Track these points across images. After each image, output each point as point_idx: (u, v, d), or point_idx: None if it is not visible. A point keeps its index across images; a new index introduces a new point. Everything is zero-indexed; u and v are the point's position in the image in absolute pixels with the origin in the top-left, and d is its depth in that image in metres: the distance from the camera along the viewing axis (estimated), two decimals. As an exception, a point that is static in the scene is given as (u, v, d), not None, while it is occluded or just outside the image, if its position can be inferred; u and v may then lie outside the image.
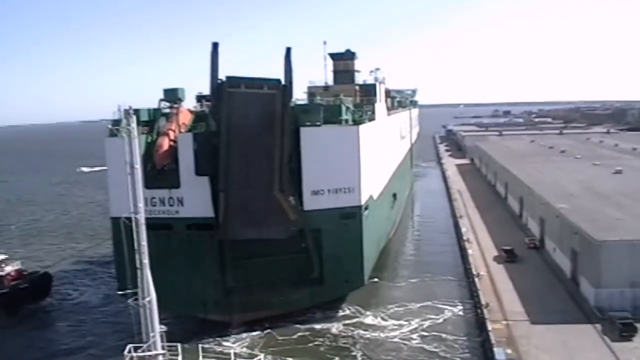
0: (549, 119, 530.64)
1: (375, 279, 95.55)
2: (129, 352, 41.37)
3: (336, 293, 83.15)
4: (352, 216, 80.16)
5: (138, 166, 34.77)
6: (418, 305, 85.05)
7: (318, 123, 79.64)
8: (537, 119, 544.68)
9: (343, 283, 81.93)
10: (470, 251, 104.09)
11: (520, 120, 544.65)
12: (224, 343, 72.03)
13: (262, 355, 46.65)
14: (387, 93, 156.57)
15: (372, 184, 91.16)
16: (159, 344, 36.60)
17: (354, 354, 71.52)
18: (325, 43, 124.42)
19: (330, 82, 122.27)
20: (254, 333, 76.66)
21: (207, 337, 72.22)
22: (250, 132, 74.20)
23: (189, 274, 75.95)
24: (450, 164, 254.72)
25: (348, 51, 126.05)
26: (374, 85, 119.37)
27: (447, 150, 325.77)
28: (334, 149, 78.76)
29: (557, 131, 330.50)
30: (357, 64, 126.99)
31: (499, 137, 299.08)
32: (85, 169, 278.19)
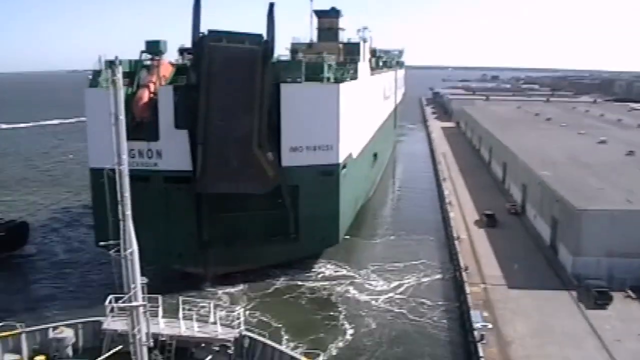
0: (537, 86, 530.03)
1: (353, 237, 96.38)
2: (110, 302, 41.23)
3: (311, 250, 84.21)
4: (329, 174, 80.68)
5: (122, 117, 33.80)
6: (395, 264, 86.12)
7: (299, 80, 79.46)
8: (524, 86, 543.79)
9: (318, 240, 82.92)
10: (451, 214, 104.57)
11: (508, 85, 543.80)
12: (203, 296, 72.12)
13: (241, 309, 46.59)
14: (373, 53, 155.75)
15: (351, 142, 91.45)
16: (140, 295, 36.38)
17: (334, 306, 72.62)
18: (312, 0, 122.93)
19: (315, 39, 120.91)
20: (231, 286, 77.42)
21: (186, 290, 72.24)
22: (230, 86, 73.94)
23: (165, 226, 76.06)
24: (436, 126, 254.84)
25: (333, 9, 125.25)
26: (358, 44, 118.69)
27: (433, 113, 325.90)
28: (313, 106, 78.78)
29: (544, 99, 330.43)
30: (343, 22, 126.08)
31: (485, 101, 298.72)
32: (2, 126, 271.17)
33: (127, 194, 34.43)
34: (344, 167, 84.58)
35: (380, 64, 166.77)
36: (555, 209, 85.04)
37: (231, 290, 76.60)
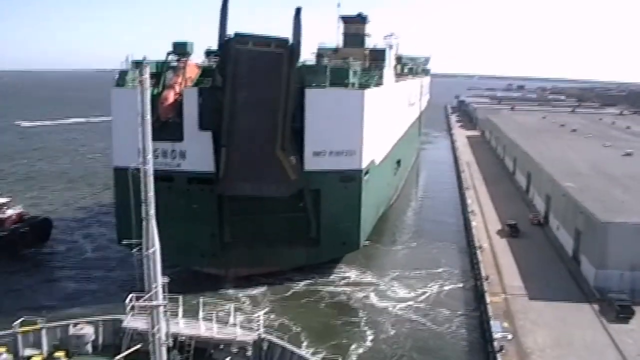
0: (563, 97, 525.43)
1: (375, 243, 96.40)
2: (131, 301, 41.55)
3: (332, 254, 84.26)
4: (352, 179, 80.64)
5: (149, 117, 34.03)
6: (416, 272, 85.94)
7: (324, 84, 79.63)
8: (550, 96, 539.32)
9: (339, 245, 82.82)
10: (474, 223, 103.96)
11: (534, 95, 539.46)
12: (223, 298, 72.40)
13: (261, 312, 46.64)
14: (399, 59, 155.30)
15: (374, 148, 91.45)
16: (160, 294, 36.52)
17: (353, 312, 72.62)
18: (339, 5, 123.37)
19: (341, 45, 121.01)
20: (251, 288, 77.65)
21: (207, 291, 72.68)
22: (255, 89, 74.31)
23: (187, 226, 76.44)
24: (461, 135, 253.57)
25: (359, 14, 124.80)
26: (383, 51, 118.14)
27: (458, 121, 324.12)
28: (338, 111, 78.73)
29: (570, 109, 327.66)
30: (369, 28, 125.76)
31: (511, 111, 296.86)
32: (25, 124, 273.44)
33: (151, 194, 34.64)
34: (367, 173, 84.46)
35: (406, 70, 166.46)
36: (578, 220, 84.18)
37: (251, 292, 76.74)
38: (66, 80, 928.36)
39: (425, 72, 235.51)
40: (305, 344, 62.34)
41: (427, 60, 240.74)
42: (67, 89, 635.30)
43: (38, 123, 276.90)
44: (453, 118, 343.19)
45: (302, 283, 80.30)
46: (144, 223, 35.16)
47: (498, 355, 56.62)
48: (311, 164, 78.47)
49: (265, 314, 66.09)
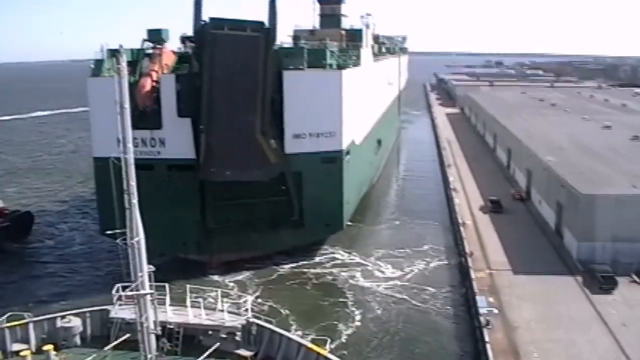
0: (541, 72, 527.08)
1: (358, 223, 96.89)
2: (117, 291, 41.37)
3: (316, 236, 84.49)
4: (333, 160, 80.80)
5: (127, 106, 33.68)
6: (400, 250, 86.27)
7: (301, 67, 79.44)
8: (529, 71, 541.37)
9: (323, 226, 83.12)
10: (456, 200, 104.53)
11: (512, 71, 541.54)
12: (210, 284, 72.38)
13: (248, 296, 46.65)
14: (376, 39, 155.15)
15: (354, 129, 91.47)
16: (147, 283, 36.38)
17: (339, 293, 72.96)
18: None
19: (318, 26, 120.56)
20: (236, 274, 77.75)
21: (192, 278, 72.74)
22: (233, 74, 73.70)
23: (169, 214, 76.20)
24: (440, 112, 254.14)
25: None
26: (360, 31, 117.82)
27: (437, 99, 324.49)
28: (316, 93, 78.61)
29: (549, 84, 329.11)
30: (345, 9, 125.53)
31: (490, 87, 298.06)
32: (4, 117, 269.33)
33: (134, 183, 34.41)
34: (348, 153, 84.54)
35: (384, 50, 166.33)
36: (560, 194, 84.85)
37: (237, 277, 76.78)
38: (41, 72, 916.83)
39: (403, 50, 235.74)
40: (293, 326, 62.56)
41: (404, 39, 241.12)
42: (42, 81, 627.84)
43: (17, 116, 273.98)
44: (432, 96, 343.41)
45: (287, 266, 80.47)
46: (127, 212, 34.94)
47: (484, 330, 57.04)
48: (292, 146, 78.40)
49: (252, 298, 66.36)
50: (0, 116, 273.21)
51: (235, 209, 79.60)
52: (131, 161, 34.17)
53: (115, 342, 41.05)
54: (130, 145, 34.16)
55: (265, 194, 79.27)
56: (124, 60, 33.81)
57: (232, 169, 75.42)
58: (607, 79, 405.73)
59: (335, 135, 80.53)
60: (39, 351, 41.67)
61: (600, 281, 67.38)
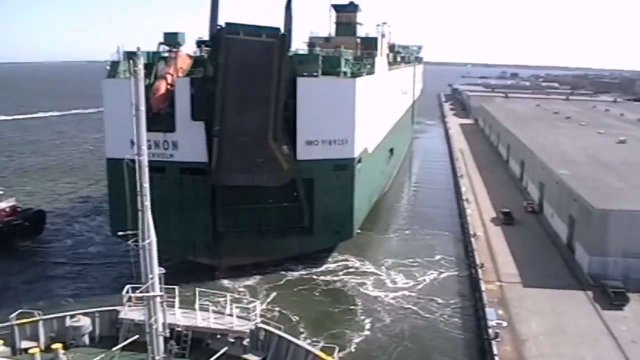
0: (556, 84, 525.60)
1: (369, 231, 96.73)
2: (127, 292, 41.84)
3: (325, 243, 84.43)
4: (344, 168, 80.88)
5: (143, 108, 33.87)
6: (410, 260, 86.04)
7: (315, 74, 79.68)
8: (544, 84, 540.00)
9: (332, 234, 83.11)
10: (468, 211, 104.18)
11: (527, 83, 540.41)
12: (219, 288, 72.49)
13: (257, 301, 46.68)
14: (391, 48, 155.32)
15: (367, 137, 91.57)
16: (157, 285, 36.48)
17: (348, 301, 72.85)
18: None
19: (333, 34, 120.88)
20: (245, 278, 77.83)
21: (201, 282, 72.86)
22: (247, 79, 74.08)
23: (180, 217, 76.66)
24: (454, 123, 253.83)
25: (351, 3, 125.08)
26: (375, 39, 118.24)
27: (451, 109, 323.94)
28: (329, 100, 78.73)
29: (564, 97, 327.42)
30: (360, 17, 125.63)
31: (504, 99, 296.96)
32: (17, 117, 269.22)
33: (147, 185, 34.55)
34: (359, 161, 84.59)
35: (399, 59, 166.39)
36: (573, 208, 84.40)
37: (246, 282, 76.86)
38: (59, 72, 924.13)
39: (418, 60, 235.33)
40: (301, 333, 62.45)
41: (419, 48, 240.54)
42: (60, 81, 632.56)
43: (32, 115, 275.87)
44: (446, 106, 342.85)
45: (297, 272, 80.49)
46: (139, 214, 35.05)
47: (493, 342, 56.81)
48: (303, 153, 78.58)
49: (261, 303, 66.36)
50: (15, 115, 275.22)
51: (245, 213, 79.82)
52: (145, 163, 34.32)
53: (124, 343, 41.20)
54: (144, 147, 34.30)
55: (275, 200, 79.41)
56: (141, 62, 33.99)
57: (244, 173, 75.65)
58: (623, 93, 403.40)
59: (347, 143, 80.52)
60: (47, 349, 41.87)
61: (611, 296, 66.89)
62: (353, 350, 60.70)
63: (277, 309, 68.92)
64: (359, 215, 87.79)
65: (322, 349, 42.29)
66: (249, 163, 75.36)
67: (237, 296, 65.96)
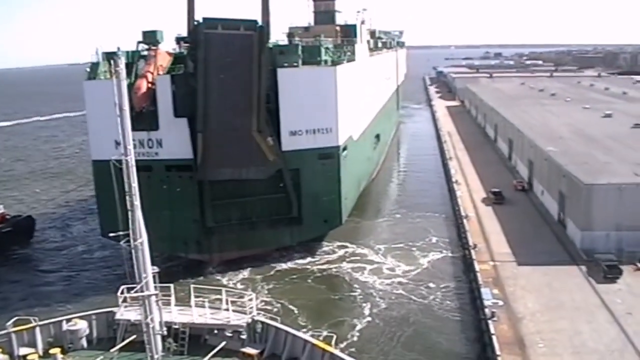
0: (540, 62, 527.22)
1: (360, 218, 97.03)
2: (122, 292, 41.77)
3: (315, 232, 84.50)
4: (330, 156, 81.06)
5: (127, 108, 33.68)
6: (403, 244, 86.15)
7: (295, 64, 79.69)
8: (528, 62, 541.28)
9: (321, 222, 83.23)
10: (458, 192, 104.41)
11: (511, 62, 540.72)
12: (213, 283, 72.43)
13: (253, 294, 46.62)
14: (372, 34, 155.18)
15: (351, 124, 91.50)
16: (151, 284, 36.43)
17: (341, 288, 73.08)
18: None
19: (312, 23, 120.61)
20: (238, 272, 77.79)
21: (195, 278, 73.39)
22: (227, 73, 74.05)
23: (169, 214, 76.48)
24: (441, 105, 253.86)
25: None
26: (354, 26, 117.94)
27: (437, 92, 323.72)
28: (311, 89, 78.82)
29: (548, 74, 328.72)
30: (339, 5, 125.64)
31: (489, 79, 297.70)
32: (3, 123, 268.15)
33: (135, 185, 34.43)
34: (345, 149, 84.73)
35: (380, 45, 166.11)
36: (562, 184, 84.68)
37: (240, 275, 76.85)
38: (40, 76, 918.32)
39: (400, 45, 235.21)
40: (297, 323, 62.34)
41: (401, 33, 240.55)
42: (42, 85, 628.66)
43: (17, 122, 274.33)
44: (432, 89, 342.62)
45: (289, 263, 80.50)
46: (129, 214, 34.92)
47: (490, 321, 56.96)
48: (288, 143, 78.69)
49: (256, 295, 66.35)
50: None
51: (233, 207, 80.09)
52: (132, 163, 34.17)
53: (122, 344, 41.03)
54: (130, 147, 34.13)
55: (263, 192, 79.64)
56: (122, 62, 33.74)
57: (230, 167, 75.88)
58: (607, 67, 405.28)
59: (331, 131, 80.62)
60: (46, 355, 41.74)
61: (604, 270, 67.06)
62: (349, 335, 60.73)
63: (271, 300, 68.87)
64: (348, 203, 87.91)
65: (320, 338, 42.31)
66: (234, 157, 75.47)
67: (232, 290, 66.21)
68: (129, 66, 76.85)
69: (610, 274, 66.61)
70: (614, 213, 73.01)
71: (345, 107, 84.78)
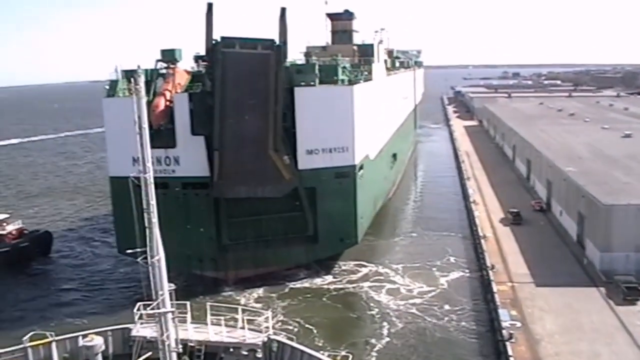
0: (559, 82, 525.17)
1: (376, 237, 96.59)
2: (139, 309, 41.86)
3: (330, 251, 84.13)
4: (346, 175, 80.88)
5: (146, 125, 33.94)
6: (420, 264, 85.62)
7: (312, 83, 79.96)
8: (546, 81, 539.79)
9: (337, 241, 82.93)
10: (476, 213, 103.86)
11: (530, 82, 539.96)
12: (229, 301, 72.28)
13: (269, 313, 46.44)
14: (390, 53, 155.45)
15: (368, 143, 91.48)
16: (168, 301, 36.45)
17: (358, 307, 72.71)
18: (326, 2, 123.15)
19: (330, 42, 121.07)
20: (254, 290, 77.64)
21: (211, 295, 73.16)
22: (244, 91, 74.57)
23: (185, 231, 76.79)
24: (458, 125, 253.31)
25: (346, 11, 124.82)
26: (372, 45, 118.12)
27: (455, 112, 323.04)
28: (328, 108, 78.93)
29: (567, 94, 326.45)
30: (356, 24, 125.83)
31: (507, 99, 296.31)
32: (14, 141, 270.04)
33: (154, 202, 34.56)
34: (361, 168, 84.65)
35: (398, 64, 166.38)
36: (581, 204, 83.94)
37: (256, 294, 76.70)
38: (62, 93, 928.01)
39: (418, 64, 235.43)
40: (314, 342, 61.96)
41: (419, 52, 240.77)
42: (64, 101, 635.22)
43: (35, 138, 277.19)
44: (450, 109, 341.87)
45: (304, 281, 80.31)
46: (147, 231, 35.00)
47: (507, 343, 56.40)
48: (304, 162, 78.73)
49: (272, 314, 66.15)
50: (21, 139, 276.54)
51: (249, 225, 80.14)
52: (151, 180, 34.35)
53: None
54: (149, 164, 34.35)
55: (279, 210, 79.57)
56: (141, 80, 34.05)
57: (246, 185, 76.09)
58: (626, 87, 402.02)
59: (348, 150, 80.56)
60: None
61: (624, 292, 66.26)
62: (368, 357, 60.27)
63: (288, 319, 68.62)
64: (364, 222, 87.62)
65: (335, 357, 42.02)
66: (250, 175, 75.75)
67: (248, 308, 66.05)
68: (147, 84, 77.27)
69: (630, 295, 65.83)
70: (634, 234, 72.28)
71: (361, 126, 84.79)
